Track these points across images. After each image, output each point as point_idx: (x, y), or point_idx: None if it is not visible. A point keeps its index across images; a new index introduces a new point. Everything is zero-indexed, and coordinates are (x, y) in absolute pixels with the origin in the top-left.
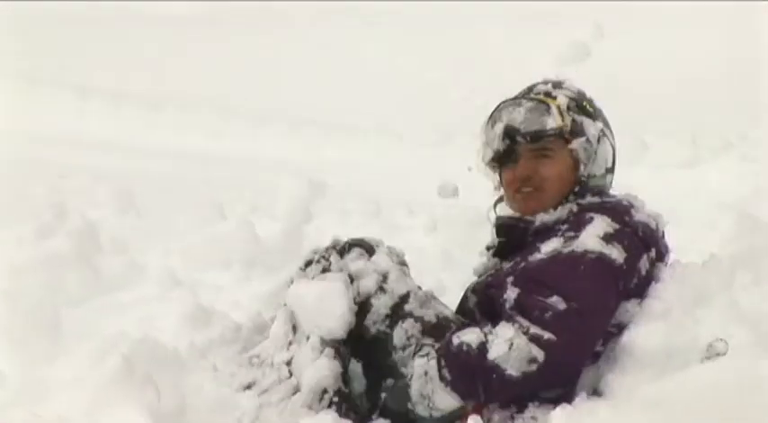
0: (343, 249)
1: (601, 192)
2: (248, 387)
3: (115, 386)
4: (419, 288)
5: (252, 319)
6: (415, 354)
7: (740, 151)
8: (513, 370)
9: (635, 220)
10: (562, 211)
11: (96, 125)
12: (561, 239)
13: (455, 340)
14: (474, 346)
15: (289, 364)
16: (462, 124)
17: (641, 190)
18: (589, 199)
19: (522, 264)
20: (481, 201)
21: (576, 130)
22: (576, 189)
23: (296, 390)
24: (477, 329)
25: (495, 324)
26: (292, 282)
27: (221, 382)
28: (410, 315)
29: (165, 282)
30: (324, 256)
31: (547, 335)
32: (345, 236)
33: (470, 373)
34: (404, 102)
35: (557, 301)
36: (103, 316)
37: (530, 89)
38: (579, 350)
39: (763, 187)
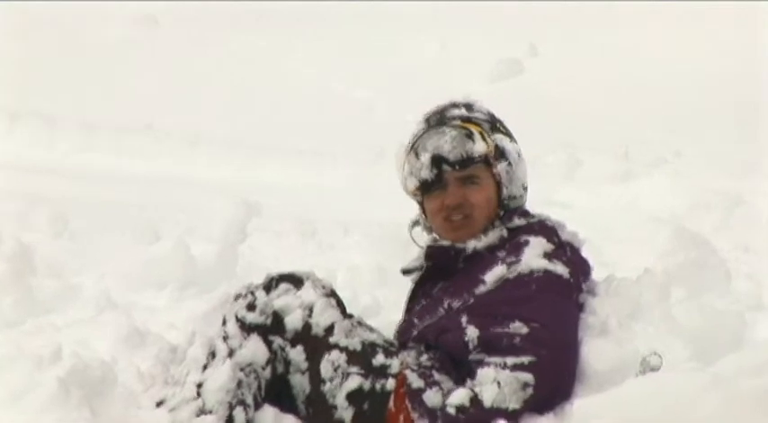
0: (269, 285)
1: (524, 213)
2: (159, 404)
3: (51, 409)
4: (346, 316)
5: (187, 339)
6: (342, 384)
7: (673, 167)
8: (513, 403)
9: (562, 239)
10: (493, 237)
11: (29, 148)
12: (504, 266)
13: (449, 409)
14: (467, 404)
15: (199, 386)
16: (392, 143)
17: (575, 205)
18: (516, 221)
19: (472, 299)
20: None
21: (499, 154)
22: (501, 213)
23: (201, 411)
24: (460, 389)
25: (463, 369)
26: (225, 322)
27: (132, 401)
28: (336, 346)
29: (99, 304)
30: (251, 292)
31: (525, 358)
32: (280, 257)
33: None
34: (335, 121)
35: (518, 327)
36: (38, 338)
37: (443, 112)
38: (562, 358)
39: (697, 202)
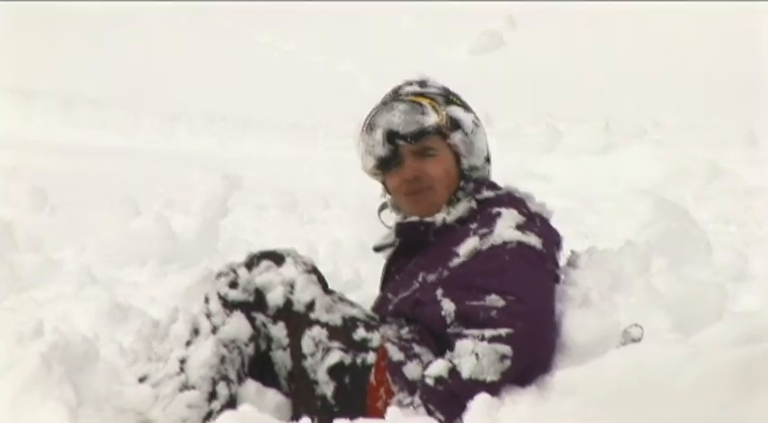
0: (251, 262)
1: (492, 185)
2: (141, 380)
3: (33, 385)
4: (327, 292)
5: (169, 314)
6: (323, 359)
7: (654, 137)
8: (491, 375)
9: (532, 211)
10: (462, 209)
11: (7, 123)
12: (477, 238)
13: (428, 380)
14: (446, 375)
15: (183, 361)
16: None
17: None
18: (485, 193)
19: (446, 272)
20: None
21: (453, 125)
22: (462, 184)
23: (184, 386)
24: (439, 360)
25: (442, 342)
26: (207, 300)
27: (114, 376)
28: (317, 322)
29: (80, 279)
30: (233, 270)
31: (503, 331)
32: (261, 230)
33: (456, 400)
34: (316, 95)
35: (494, 299)
36: (19, 314)
37: (395, 92)
38: (539, 330)
39: (678, 173)
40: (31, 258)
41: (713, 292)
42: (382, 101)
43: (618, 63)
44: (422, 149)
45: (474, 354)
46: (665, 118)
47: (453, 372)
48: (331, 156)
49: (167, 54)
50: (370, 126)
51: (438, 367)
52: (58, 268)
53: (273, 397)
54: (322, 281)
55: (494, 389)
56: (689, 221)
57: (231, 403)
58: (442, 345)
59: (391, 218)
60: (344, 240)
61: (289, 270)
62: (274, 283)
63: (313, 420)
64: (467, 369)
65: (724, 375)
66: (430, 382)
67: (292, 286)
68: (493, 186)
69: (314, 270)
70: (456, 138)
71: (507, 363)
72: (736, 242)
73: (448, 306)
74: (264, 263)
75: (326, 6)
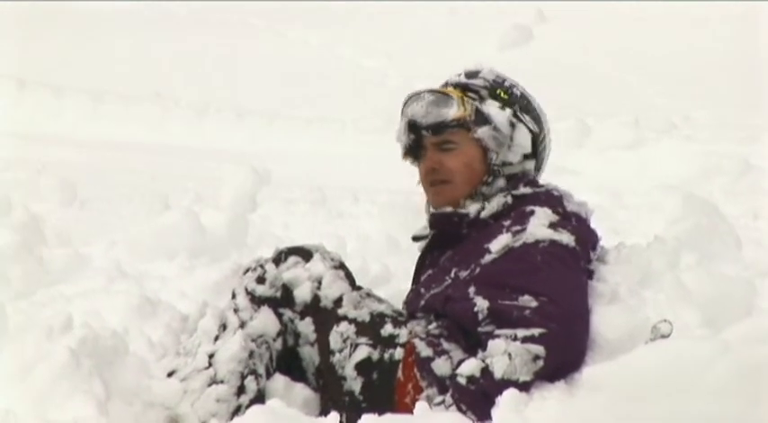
0: (279, 258)
1: (532, 182)
2: (170, 374)
3: (62, 379)
4: (355, 288)
5: (198, 309)
6: (350, 354)
7: (684, 132)
8: (524, 375)
9: (568, 210)
10: (496, 204)
11: (38, 117)
12: (509, 235)
13: (460, 379)
14: (478, 374)
15: (211, 356)
16: None
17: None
18: (522, 190)
19: (478, 269)
20: None
21: (480, 119)
22: (489, 179)
23: (213, 381)
24: (471, 359)
25: (472, 339)
26: (234, 296)
27: (143, 370)
28: (344, 318)
29: (110, 273)
30: (261, 265)
31: (536, 331)
32: (290, 225)
33: (488, 399)
34: (345, 89)
35: (528, 300)
36: (49, 308)
37: (445, 82)
38: (572, 331)
39: (707, 168)
40: (60, 253)
41: (742, 287)
42: (426, 88)
43: (648, 58)
44: (442, 142)
45: (507, 354)
46: (694, 113)
47: (486, 371)
48: (360, 150)
49: (195, 49)
50: (401, 113)
51: (470, 366)
52: (87, 263)
53: (301, 391)
54: (350, 277)
55: (526, 388)
56: (718, 217)
57: (260, 398)
58: (471, 342)
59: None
60: (373, 235)
61: (316, 266)
62: (302, 279)
63: (341, 415)
64: (499, 369)
65: (754, 372)
66: (462, 381)
67: (320, 282)
68: (532, 183)
69: (341, 266)
70: (481, 132)
71: (540, 363)
72: (765, 238)
73: (481, 303)
74: (292, 258)
75: (357, 3)
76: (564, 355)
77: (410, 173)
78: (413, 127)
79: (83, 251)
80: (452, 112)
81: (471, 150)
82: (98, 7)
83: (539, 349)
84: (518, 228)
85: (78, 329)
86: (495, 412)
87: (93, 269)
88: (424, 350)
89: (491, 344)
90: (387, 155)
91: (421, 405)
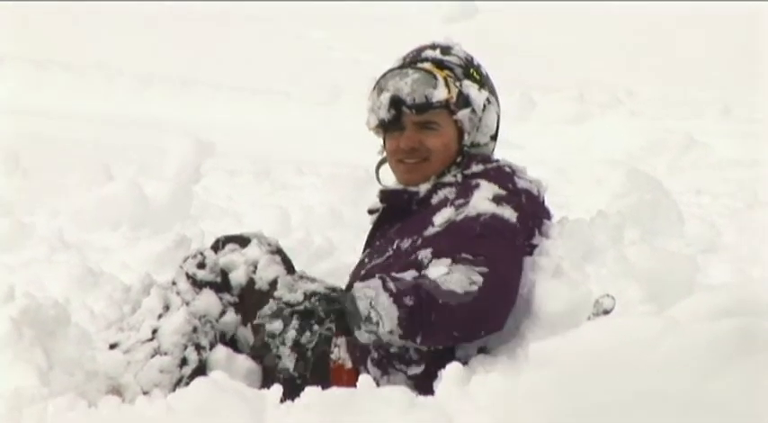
0: (217, 245)
1: (485, 158)
2: (112, 346)
3: (4, 349)
4: (290, 272)
5: (141, 280)
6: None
7: (628, 107)
8: (455, 286)
9: (518, 187)
10: (447, 183)
11: None
12: (452, 208)
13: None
14: (411, 277)
15: (155, 331)
16: (349, 82)
17: (529, 146)
18: (473, 168)
19: (420, 241)
20: (370, 161)
21: (462, 101)
22: (459, 159)
23: (156, 352)
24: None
25: None
26: (175, 282)
27: (85, 341)
28: (279, 299)
29: (52, 243)
30: (200, 252)
31: (477, 268)
32: (234, 196)
33: (415, 291)
34: (289, 61)
35: (466, 256)
36: None
37: (418, 53)
38: (504, 289)
39: (652, 143)
40: (1, 222)
41: (685, 263)
42: (399, 63)
43: (593, 32)
44: (424, 122)
45: (447, 269)
46: (639, 88)
47: (420, 276)
48: (305, 123)
49: (138, 18)
50: (380, 87)
51: (405, 278)
52: (29, 232)
53: (244, 363)
54: (286, 261)
55: (454, 303)
56: (662, 192)
57: (201, 369)
58: None
59: (389, 174)
60: (317, 207)
61: (252, 251)
62: (238, 263)
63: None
64: (434, 274)
65: (701, 348)
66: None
67: (255, 266)
68: (485, 160)
69: (278, 251)
70: (462, 114)
71: (474, 287)
72: (708, 214)
73: (424, 253)
74: (230, 245)
75: None
76: (496, 297)
77: (356, 146)
78: (395, 103)
79: (25, 220)
80: (439, 93)
81: (450, 131)
82: None
83: (478, 278)
84: (461, 201)
85: (20, 299)
86: (437, 387)
87: (35, 239)
88: None
89: (432, 263)
90: (331, 128)
91: (364, 378)
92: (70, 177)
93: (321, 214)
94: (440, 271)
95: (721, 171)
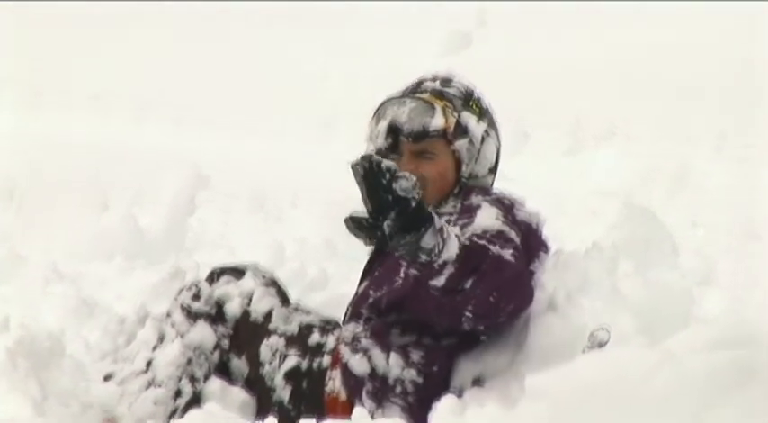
0: (212, 277)
1: (484, 191)
2: (107, 378)
3: None
4: (285, 304)
5: (136, 311)
6: (279, 365)
7: (623, 139)
8: (500, 251)
9: (517, 218)
10: (446, 211)
11: None
12: (457, 228)
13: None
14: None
15: (149, 362)
16: (344, 115)
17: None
18: (472, 199)
19: None
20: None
21: (460, 131)
22: (456, 190)
23: (151, 384)
24: None
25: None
26: (170, 314)
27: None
28: (274, 332)
29: (47, 274)
30: (195, 284)
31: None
32: (229, 229)
33: (473, 241)
34: (284, 92)
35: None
36: None
37: (418, 84)
38: (524, 280)
39: (646, 176)
40: None
41: (680, 295)
42: (401, 92)
43: (587, 63)
44: (421, 150)
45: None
46: (634, 121)
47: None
48: (299, 155)
49: (134, 51)
50: (378, 115)
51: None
52: (24, 263)
53: (238, 394)
54: (281, 293)
55: (500, 278)
56: (656, 224)
57: (195, 400)
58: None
59: None
60: (311, 239)
61: (247, 282)
62: (232, 295)
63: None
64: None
65: (696, 381)
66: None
67: (250, 298)
68: (484, 192)
69: (273, 283)
70: (459, 144)
71: (514, 259)
72: (703, 246)
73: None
74: (224, 277)
75: (298, 4)
76: (525, 279)
77: (350, 178)
78: (392, 130)
79: (20, 251)
80: (436, 122)
81: (447, 161)
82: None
83: (508, 253)
84: (465, 220)
85: (15, 330)
86: (431, 418)
87: (30, 269)
88: (347, 354)
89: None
90: (326, 159)
91: (358, 410)
92: (65, 208)
93: (315, 245)
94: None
95: (717, 201)
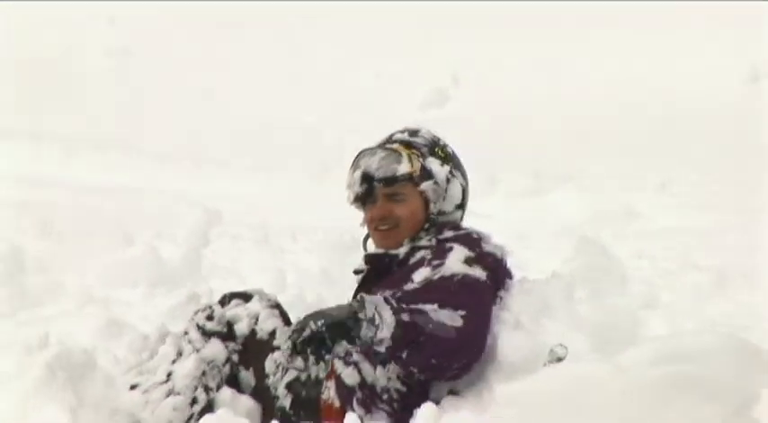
0: (224, 300)
1: (455, 226)
2: (133, 387)
3: (39, 390)
4: (287, 324)
5: (158, 330)
6: (282, 377)
7: (578, 182)
8: (444, 319)
9: (485, 250)
10: (423, 246)
11: (18, 163)
12: (429, 268)
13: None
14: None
15: (169, 374)
16: (337, 161)
17: (494, 217)
18: (445, 234)
19: (399, 293)
20: (355, 228)
21: (425, 175)
22: (426, 226)
23: (170, 393)
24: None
25: None
26: (187, 332)
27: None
28: (277, 348)
29: (81, 298)
30: (209, 306)
31: (459, 312)
32: (238, 259)
33: (411, 312)
34: (286, 142)
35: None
36: (28, 328)
37: (390, 136)
38: (480, 330)
39: (598, 213)
40: (38, 280)
41: (628, 318)
42: (377, 144)
43: (548, 117)
44: (393, 193)
45: (435, 306)
46: (588, 166)
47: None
48: (299, 196)
49: (157, 104)
50: (355, 165)
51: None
52: (61, 289)
53: (246, 402)
54: (283, 314)
55: (439, 347)
56: (607, 256)
57: (209, 407)
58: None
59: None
60: (309, 268)
61: (254, 305)
62: (241, 316)
63: None
64: (427, 307)
65: (642, 391)
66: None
67: (257, 319)
68: (455, 228)
69: (277, 306)
70: (426, 186)
71: (459, 324)
72: (648, 275)
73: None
74: (234, 300)
75: (297, 63)
76: (469, 342)
77: (343, 215)
78: (366, 178)
79: (58, 279)
80: (403, 167)
81: (416, 201)
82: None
83: (458, 319)
84: (437, 262)
85: (54, 346)
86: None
87: (66, 294)
88: (340, 367)
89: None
90: (321, 199)
91: (350, 417)
92: (97, 241)
93: (313, 274)
94: (430, 306)
95: (659, 238)
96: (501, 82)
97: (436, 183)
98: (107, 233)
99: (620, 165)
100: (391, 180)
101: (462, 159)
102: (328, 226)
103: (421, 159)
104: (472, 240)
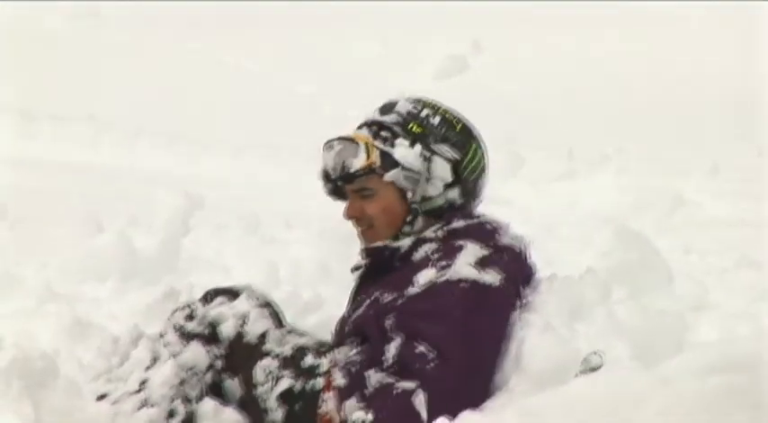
0: (206, 298)
1: (467, 214)
2: (101, 398)
3: None
4: (280, 326)
5: (129, 331)
6: (273, 387)
7: (617, 164)
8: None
9: (500, 244)
10: (429, 238)
11: None
12: (435, 270)
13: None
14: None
15: (143, 382)
16: None
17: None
18: (455, 224)
19: (400, 301)
20: None
21: (388, 163)
22: (410, 218)
23: (144, 404)
24: (359, 411)
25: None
26: (163, 334)
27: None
28: (268, 354)
29: (41, 294)
30: (189, 305)
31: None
32: (222, 250)
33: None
34: (279, 116)
35: (427, 351)
36: None
37: (366, 117)
38: (460, 387)
39: (639, 201)
40: None
41: (673, 321)
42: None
43: (582, 90)
44: (359, 189)
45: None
46: (627, 146)
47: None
48: (293, 177)
49: (129, 72)
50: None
51: (358, 416)
52: (18, 283)
53: (231, 415)
54: (275, 315)
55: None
56: (650, 250)
57: (188, 421)
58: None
59: None
60: (305, 262)
61: (242, 304)
62: (226, 316)
63: None
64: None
65: (688, 405)
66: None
67: (245, 320)
68: (467, 216)
69: (267, 304)
70: (391, 175)
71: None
72: (696, 272)
73: (391, 350)
74: (219, 298)
75: (292, 31)
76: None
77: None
78: (326, 177)
79: (13, 271)
80: (357, 162)
81: (388, 193)
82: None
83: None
84: (444, 263)
85: (8, 350)
86: None
87: (23, 290)
88: (340, 379)
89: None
90: (319, 183)
91: None
92: (59, 228)
93: (310, 268)
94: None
95: (709, 230)
96: (529, 49)
97: (404, 168)
98: (72, 219)
99: (666, 145)
100: (348, 177)
101: (484, 137)
102: (327, 213)
103: (383, 145)
104: (485, 232)
